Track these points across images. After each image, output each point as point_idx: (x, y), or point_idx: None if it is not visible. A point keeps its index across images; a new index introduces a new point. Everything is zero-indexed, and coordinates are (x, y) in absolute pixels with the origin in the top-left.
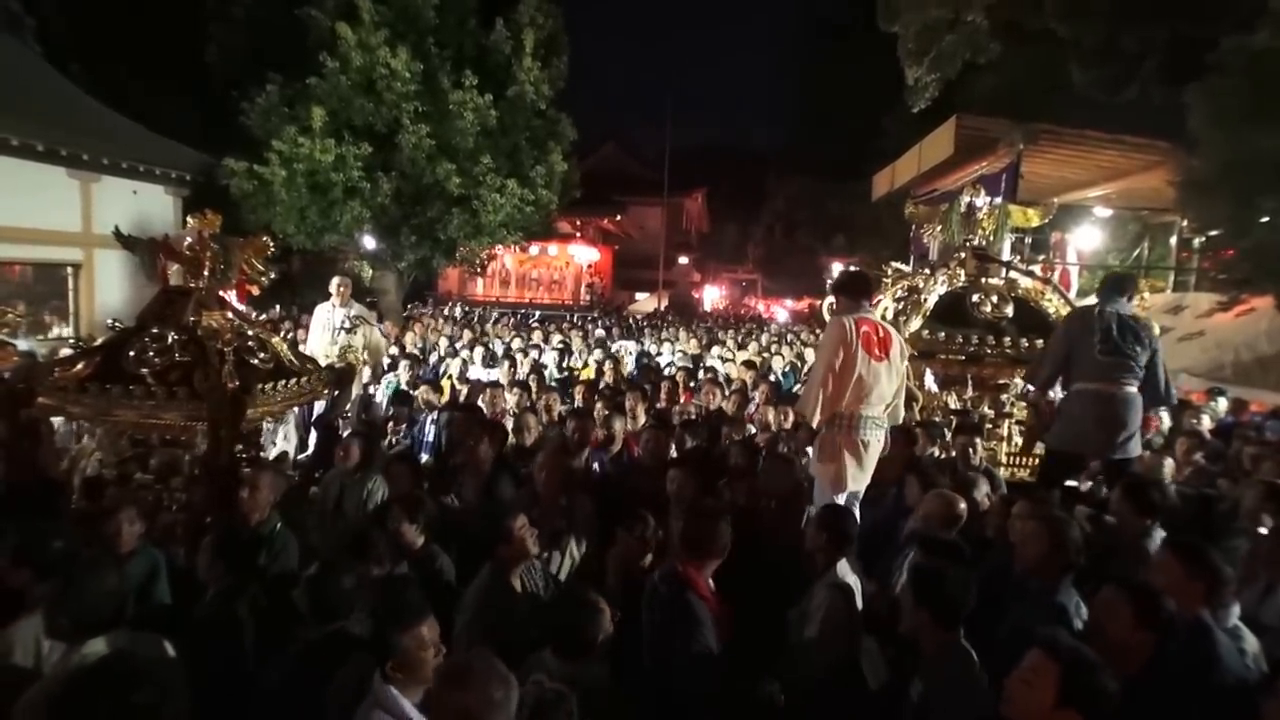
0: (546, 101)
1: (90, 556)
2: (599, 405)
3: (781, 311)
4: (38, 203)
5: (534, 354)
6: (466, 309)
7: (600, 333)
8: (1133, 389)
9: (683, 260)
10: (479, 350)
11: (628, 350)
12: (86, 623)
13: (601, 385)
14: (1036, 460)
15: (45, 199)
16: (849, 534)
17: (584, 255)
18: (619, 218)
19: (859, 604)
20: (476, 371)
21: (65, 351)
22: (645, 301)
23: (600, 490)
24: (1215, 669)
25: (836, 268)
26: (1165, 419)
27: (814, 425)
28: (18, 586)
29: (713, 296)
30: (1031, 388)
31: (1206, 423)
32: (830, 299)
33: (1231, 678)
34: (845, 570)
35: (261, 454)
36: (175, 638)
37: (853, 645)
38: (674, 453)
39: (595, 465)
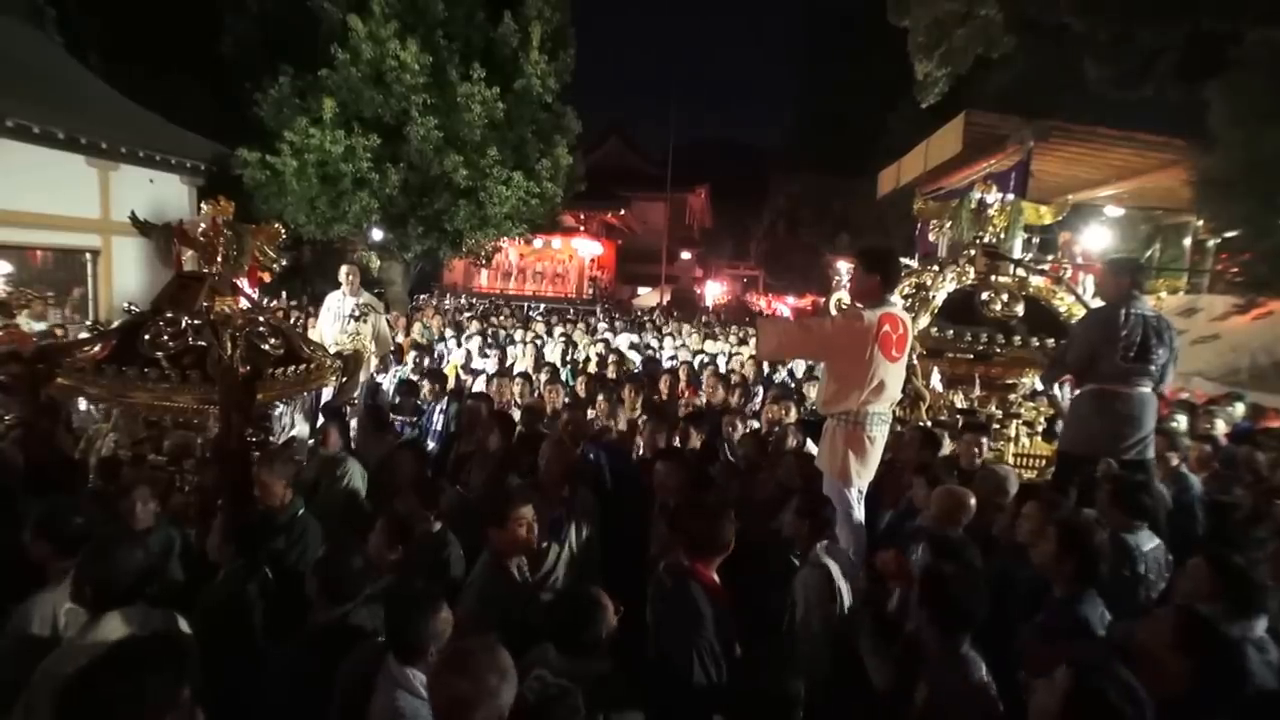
0: (553, 95)
1: (118, 530)
2: (600, 398)
3: (784, 308)
4: (58, 190)
5: (540, 345)
6: (472, 300)
7: (602, 325)
8: (1147, 389)
9: (685, 255)
10: (476, 341)
11: (630, 343)
12: (109, 593)
13: (603, 376)
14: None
15: (65, 186)
16: (828, 519)
17: (587, 249)
18: (622, 212)
19: (839, 584)
20: (479, 363)
21: (83, 334)
22: (648, 296)
23: (599, 482)
24: (1242, 682)
25: (841, 265)
26: (1183, 423)
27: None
28: (38, 560)
29: (715, 292)
30: (1041, 386)
31: (1221, 427)
32: (842, 293)
33: (1260, 690)
34: (823, 552)
35: (271, 438)
36: (186, 615)
37: (831, 621)
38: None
39: (591, 457)
